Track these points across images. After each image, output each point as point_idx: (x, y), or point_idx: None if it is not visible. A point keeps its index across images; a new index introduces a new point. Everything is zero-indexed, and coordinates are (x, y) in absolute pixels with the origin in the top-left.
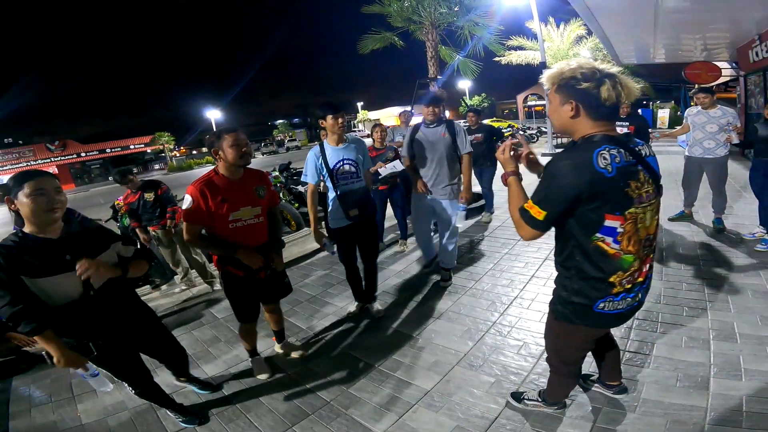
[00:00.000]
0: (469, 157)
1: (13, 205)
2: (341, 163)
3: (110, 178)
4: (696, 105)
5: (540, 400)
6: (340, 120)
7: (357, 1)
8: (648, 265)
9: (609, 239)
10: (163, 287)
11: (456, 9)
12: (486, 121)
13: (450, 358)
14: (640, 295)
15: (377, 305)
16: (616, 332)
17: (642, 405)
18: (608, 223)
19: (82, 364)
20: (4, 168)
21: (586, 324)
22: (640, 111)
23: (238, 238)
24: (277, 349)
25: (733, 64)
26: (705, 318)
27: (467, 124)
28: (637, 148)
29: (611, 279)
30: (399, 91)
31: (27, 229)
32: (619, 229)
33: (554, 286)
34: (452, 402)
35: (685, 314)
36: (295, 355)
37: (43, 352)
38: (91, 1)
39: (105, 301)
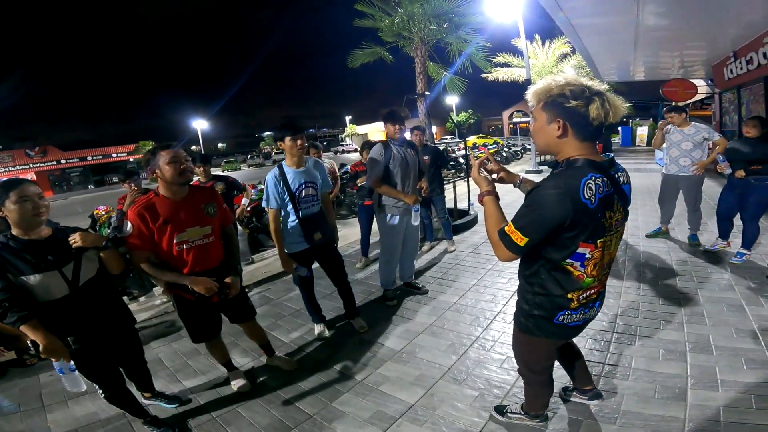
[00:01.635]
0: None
1: (1, 212)
2: (303, 186)
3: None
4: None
5: (523, 413)
6: (299, 142)
7: (348, 15)
8: (602, 286)
9: (577, 263)
10: (141, 299)
11: (445, 26)
12: (471, 138)
13: (434, 372)
14: (594, 310)
15: (360, 320)
16: (594, 345)
17: (622, 417)
18: (580, 250)
19: (66, 354)
20: None
21: (546, 335)
22: (620, 128)
23: (187, 260)
24: (268, 362)
25: (709, 82)
26: (681, 331)
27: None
28: (617, 175)
29: (569, 296)
30: (387, 106)
31: (14, 231)
32: (588, 255)
33: (520, 297)
34: (436, 416)
35: (662, 327)
36: (286, 366)
37: (29, 341)
38: (80, 5)
39: (87, 302)
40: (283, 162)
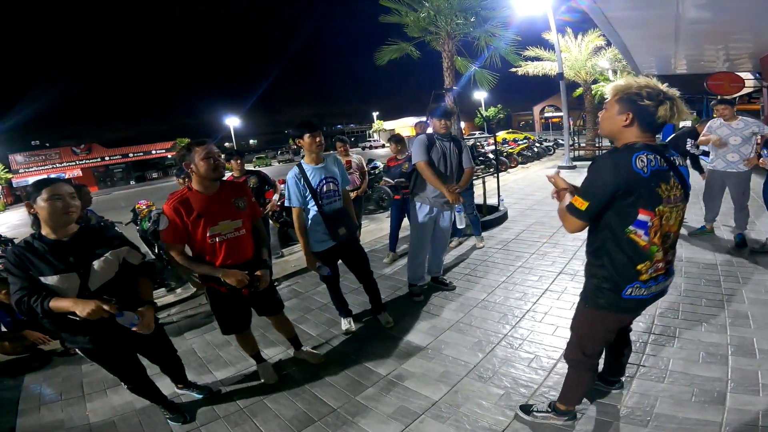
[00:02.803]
0: (471, 170)
1: (32, 209)
2: (324, 181)
3: (132, 182)
4: (718, 117)
5: (550, 411)
6: (317, 139)
7: (374, 12)
8: (669, 259)
9: (641, 231)
10: (178, 290)
11: (472, 20)
12: (500, 133)
13: (459, 369)
14: (663, 284)
15: (386, 315)
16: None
17: (655, 419)
18: (641, 217)
19: (106, 310)
20: (30, 170)
21: (615, 311)
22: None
23: (220, 252)
24: (295, 355)
25: (757, 75)
26: (724, 333)
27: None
28: (672, 158)
29: (639, 267)
30: (414, 102)
31: (43, 231)
32: (649, 223)
33: (585, 279)
34: (460, 413)
35: (704, 329)
36: (312, 360)
37: (70, 316)
38: (122, 10)
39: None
40: (302, 161)
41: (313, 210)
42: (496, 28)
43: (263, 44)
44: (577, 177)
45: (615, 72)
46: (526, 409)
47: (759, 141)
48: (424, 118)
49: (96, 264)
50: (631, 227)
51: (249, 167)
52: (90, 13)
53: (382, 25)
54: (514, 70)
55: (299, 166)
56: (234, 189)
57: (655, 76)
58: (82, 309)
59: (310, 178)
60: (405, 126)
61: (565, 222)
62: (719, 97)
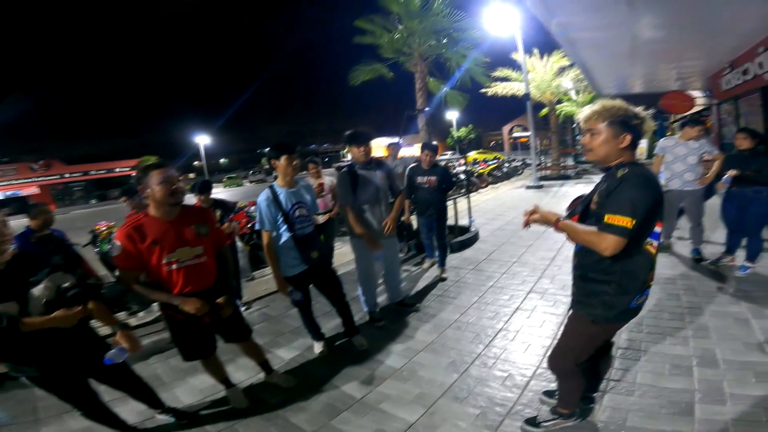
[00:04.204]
0: (402, 195)
1: None
2: (296, 206)
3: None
4: (671, 135)
5: (557, 417)
6: (294, 162)
7: (349, 32)
8: None
9: (655, 242)
10: (140, 314)
11: (444, 41)
12: (471, 153)
13: (435, 391)
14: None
15: (360, 338)
16: None
17: None
18: (657, 228)
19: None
20: None
21: (622, 320)
22: None
23: (177, 280)
24: (266, 379)
25: (707, 93)
26: (687, 345)
27: (415, 162)
28: None
29: (649, 275)
30: (387, 122)
31: None
32: (659, 231)
33: (586, 296)
34: None
35: (668, 342)
36: (285, 384)
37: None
38: (87, 21)
39: (45, 332)
40: (274, 183)
41: (285, 234)
42: (467, 50)
43: (237, 61)
44: (544, 197)
45: (577, 92)
46: (532, 422)
47: (707, 159)
48: (397, 139)
49: (35, 291)
50: (649, 239)
51: (219, 187)
52: (58, 24)
53: (358, 45)
54: (484, 90)
55: (271, 188)
56: (196, 214)
57: (615, 95)
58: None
59: (282, 202)
60: (378, 147)
61: (602, 244)
62: (677, 116)
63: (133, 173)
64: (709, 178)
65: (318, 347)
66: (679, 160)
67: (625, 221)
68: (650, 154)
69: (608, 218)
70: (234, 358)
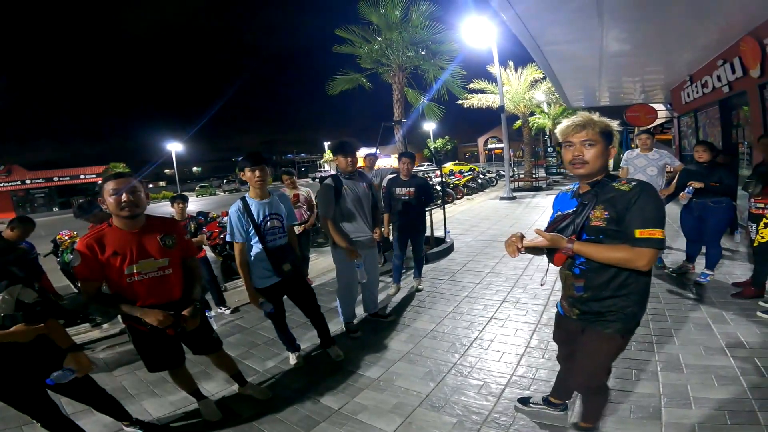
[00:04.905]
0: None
1: None
2: (268, 217)
3: (54, 209)
4: (635, 148)
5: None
6: (257, 173)
7: (328, 41)
8: None
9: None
10: (105, 326)
11: (423, 53)
12: (447, 165)
13: (412, 400)
14: None
15: (336, 349)
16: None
17: None
18: None
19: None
20: None
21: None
22: None
23: (139, 292)
24: (240, 391)
25: (668, 106)
26: (652, 351)
27: (393, 174)
28: None
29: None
30: (365, 133)
31: None
32: None
33: (604, 314)
34: None
35: (633, 348)
36: (259, 396)
37: None
38: (56, 22)
39: None
40: (246, 194)
41: (256, 246)
42: (444, 62)
43: (212, 67)
44: (517, 208)
45: (549, 105)
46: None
47: (669, 170)
48: (374, 150)
49: None
50: None
51: (191, 197)
52: (23, 21)
53: (336, 54)
54: (460, 102)
55: (243, 200)
56: (162, 225)
57: (583, 108)
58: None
59: (253, 213)
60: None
61: (641, 259)
62: (638, 128)
63: (99, 180)
64: (670, 189)
65: (293, 358)
66: (639, 171)
67: (658, 233)
68: (615, 166)
69: (640, 233)
70: (207, 370)
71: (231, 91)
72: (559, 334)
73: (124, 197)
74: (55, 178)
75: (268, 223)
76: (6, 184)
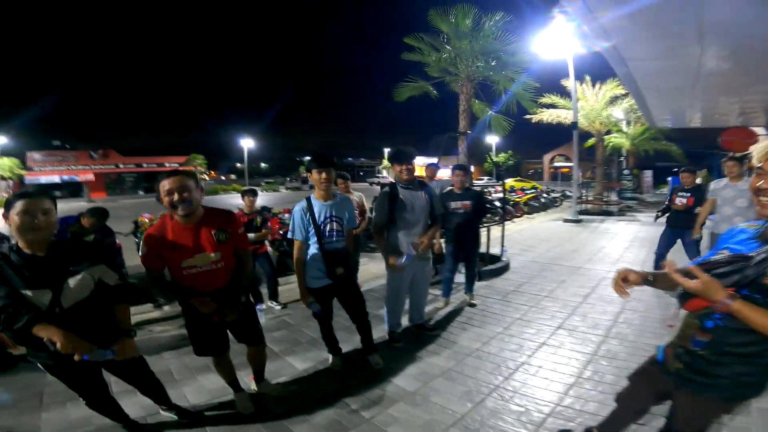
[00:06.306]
0: (438, 222)
1: (7, 221)
2: (329, 219)
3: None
4: (726, 176)
5: None
6: (323, 175)
7: (397, 48)
8: None
9: None
10: (165, 308)
11: (493, 63)
12: (508, 181)
13: (446, 418)
14: None
15: (377, 357)
16: None
17: None
18: None
19: (86, 349)
20: (45, 168)
21: None
22: (669, 179)
23: (192, 283)
24: (253, 387)
25: None
26: None
27: (450, 187)
28: None
29: None
30: (427, 142)
31: (19, 243)
32: None
33: (715, 376)
34: None
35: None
36: (273, 393)
37: (45, 340)
38: (152, 23)
39: (70, 320)
40: (312, 194)
41: (314, 246)
42: (515, 73)
43: (283, 71)
44: (582, 232)
45: (629, 123)
46: None
47: None
48: (435, 160)
49: (71, 281)
50: None
51: (258, 191)
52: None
53: (403, 61)
54: (528, 117)
55: (308, 200)
56: (218, 219)
57: (670, 129)
58: (62, 345)
59: (315, 214)
60: (416, 167)
61: None
62: (730, 154)
63: (180, 169)
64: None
65: (332, 360)
66: (727, 204)
67: None
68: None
69: None
70: (245, 362)
71: (300, 91)
72: (641, 378)
73: (176, 197)
74: (144, 164)
75: (328, 225)
76: (103, 167)
